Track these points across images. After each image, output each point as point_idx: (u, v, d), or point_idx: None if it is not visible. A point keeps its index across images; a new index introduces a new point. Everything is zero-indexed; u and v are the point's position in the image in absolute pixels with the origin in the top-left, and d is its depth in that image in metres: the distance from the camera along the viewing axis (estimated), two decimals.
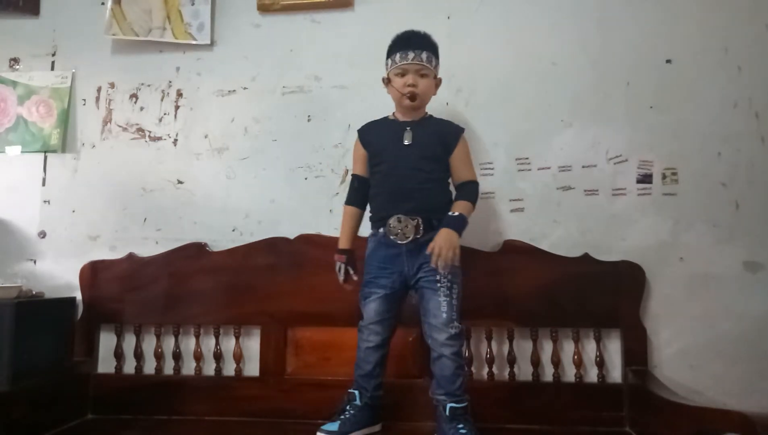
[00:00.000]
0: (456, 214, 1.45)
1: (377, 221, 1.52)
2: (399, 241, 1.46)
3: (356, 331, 1.54)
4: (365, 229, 1.59)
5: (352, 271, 1.53)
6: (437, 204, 1.49)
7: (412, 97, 1.48)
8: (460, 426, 1.37)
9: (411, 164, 1.48)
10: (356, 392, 1.49)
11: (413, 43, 1.49)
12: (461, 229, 1.44)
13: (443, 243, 1.38)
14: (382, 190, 1.52)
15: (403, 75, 1.49)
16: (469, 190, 1.50)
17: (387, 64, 1.55)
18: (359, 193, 1.58)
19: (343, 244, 1.56)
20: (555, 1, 1.81)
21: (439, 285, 1.43)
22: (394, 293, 1.49)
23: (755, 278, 1.67)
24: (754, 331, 1.65)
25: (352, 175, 1.61)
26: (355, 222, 1.58)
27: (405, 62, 1.48)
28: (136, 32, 1.94)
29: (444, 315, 1.41)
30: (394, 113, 1.58)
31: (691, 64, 1.75)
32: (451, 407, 1.39)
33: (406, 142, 1.50)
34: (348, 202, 1.60)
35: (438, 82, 1.56)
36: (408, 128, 1.51)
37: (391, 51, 1.53)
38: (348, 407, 1.48)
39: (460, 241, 1.42)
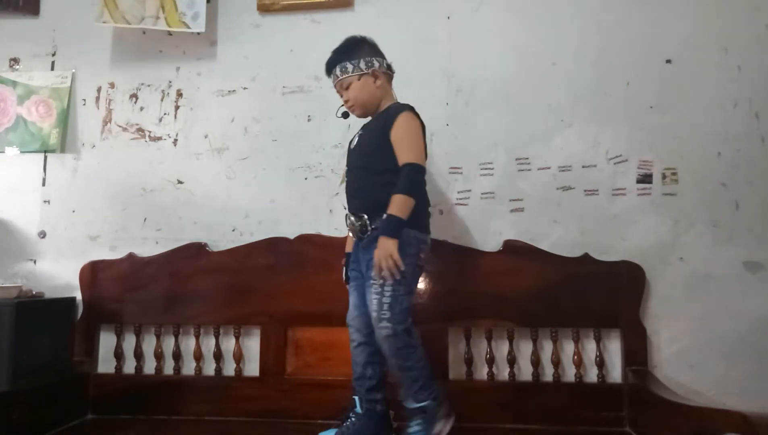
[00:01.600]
0: (384, 216, 1.35)
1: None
2: (355, 238, 1.49)
3: None
4: (345, 227, 1.59)
5: None
6: (380, 200, 1.37)
7: (345, 115, 1.54)
8: (414, 423, 1.35)
9: (354, 164, 1.51)
10: (355, 398, 1.46)
11: (327, 66, 1.52)
12: (394, 231, 1.34)
13: (380, 253, 1.32)
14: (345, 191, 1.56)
15: (340, 94, 1.53)
16: (403, 178, 1.36)
17: None
18: None
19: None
20: (555, 1, 1.81)
21: (371, 281, 1.38)
22: (362, 285, 1.45)
23: (755, 278, 1.67)
24: (754, 331, 1.64)
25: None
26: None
27: (333, 84, 1.53)
28: (128, 20, 1.90)
29: (374, 313, 1.36)
30: None
31: (691, 64, 1.75)
32: (408, 407, 1.36)
33: (352, 146, 1.54)
34: None
35: (375, 74, 1.47)
36: (360, 131, 1.54)
37: None
38: (351, 415, 1.44)
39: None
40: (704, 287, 1.68)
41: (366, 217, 1.43)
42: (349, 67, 1.47)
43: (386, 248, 1.32)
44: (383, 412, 1.46)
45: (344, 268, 1.56)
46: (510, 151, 1.79)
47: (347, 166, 1.56)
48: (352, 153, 1.54)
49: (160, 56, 1.96)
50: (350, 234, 1.52)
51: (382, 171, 1.42)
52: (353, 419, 1.43)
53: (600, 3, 1.80)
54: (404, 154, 1.39)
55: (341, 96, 1.53)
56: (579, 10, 1.80)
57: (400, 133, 1.41)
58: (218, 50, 1.95)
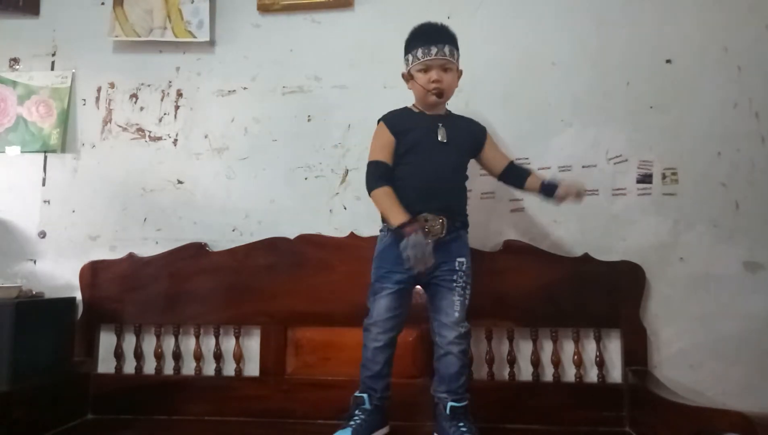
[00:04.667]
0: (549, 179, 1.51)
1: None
2: (428, 239, 1.38)
3: (356, 331, 1.52)
4: (373, 229, 1.57)
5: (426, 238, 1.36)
6: (461, 205, 1.50)
7: (439, 93, 1.45)
8: (461, 424, 1.37)
9: (446, 162, 1.45)
10: (365, 395, 1.45)
11: (435, 38, 1.45)
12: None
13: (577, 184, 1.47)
14: (411, 185, 1.44)
15: (426, 71, 1.45)
16: (522, 167, 1.58)
17: (407, 60, 1.49)
18: (386, 179, 1.45)
19: (404, 216, 1.37)
20: (555, 1, 1.81)
21: (455, 284, 1.43)
22: (407, 289, 1.46)
23: (755, 278, 1.67)
24: (754, 331, 1.65)
25: (377, 161, 1.46)
26: (396, 198, 1.42)
27: (428, 58, 1.44)
28: (138, 33, 1.95)
29: (456, 314, 1.42)
30: (415, 105, 1.54)
31: (691, 64, 1.75)
32: (451, 406, 1.39)
33: (441, 139, 1.46)
34: (380, 184, 1.43)
35: (460, 74, 1.52)
36: (440, 124, 1.48)
37: (412, 46, 1.48)
38: (358, 412, 1.44)
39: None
40: (704, 287, 1.68)
41: (445, 218, 1.43)
42: (456, 54, 1.49)
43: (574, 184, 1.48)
44: (386, 405, 1.49)
45: (421, 231, 1.35)
46: (510, 151, 1.78)
47: (424, 155, 1.44)
48: (439, 146, 1.45)
49: (160, 56, 1.96)
50: (419, 231, 1.34)
51: (465, 179, 1.52)
52: (361, 416, 1.43)
53: (600, 3, 1.80)
54: (505, 156, 1.59)
55: (426, 71, 1.44)
56: (579, 10, 1.80)
57: (493, 142, 1.59)
58: (218, 50, 1.95)
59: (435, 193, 1.43)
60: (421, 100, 1.51)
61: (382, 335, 1.44)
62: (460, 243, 1.47)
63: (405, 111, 1.54)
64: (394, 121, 1.50)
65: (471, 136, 1.54)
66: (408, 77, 1.51)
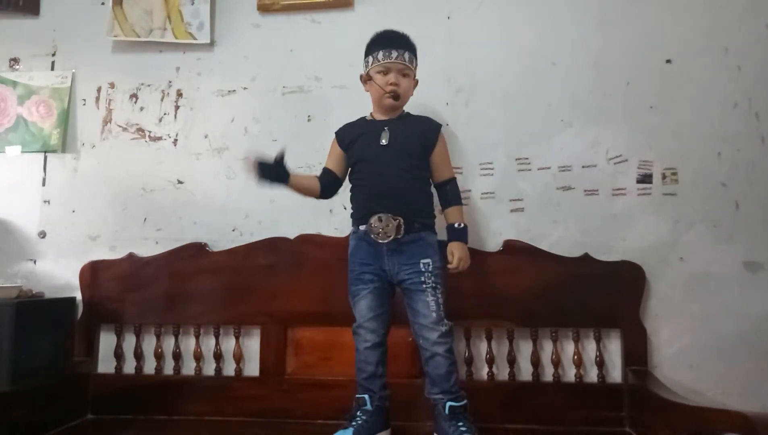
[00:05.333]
0: (462, 225, 1.51)
1: (358, 219, 1.52)
2: (380, 240, 1.45)
3: None
4: (346, 227, 1.59)
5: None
6: (418, 204, 1.50)
7: (395, 96, 1.49)
8: (461, 424, 1.37)
9: (390, 164, 1.48)
10: (365, 396, 1.46)
11: (397, 43, 1.50)
12: (467, 238, 1.52)
13: (462, 256, 1.47)
14: (363, 188, 1.53)
15: (386, 73, 1.50)
16: (455, 191, 1.56)
17: (367, 62, 1.55)
18: (326, 178, 1.60)
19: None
20: (555, 1, 1.81)
21: (424, 286, 1.44)
22: (381, 287, 1.49)
23: (755, 278, 1.67)
24: (754, 331, 1.64)
25: (324, 167, 1.62)
26: (310, 182, 1.58)
27: (388, 60, 1.49)
28: (138, 33, 1.95)
29: (434, 314, 1.42)
30: (371, 113, 1.60)
31: (691, 64, 1.75)
32: (450, 406, 1.39)
33: (383, 142, 1.50)
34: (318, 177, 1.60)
35: (415, 84, 1.57)
36: (385, 128, 1.52)
37: (373, 48, 1.53)
38: (359, 413, 1.45)
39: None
40: (704, 287, 1.67)
41: (401, 219, 1.44)
42: (415, 63, 1.55)
43: (467, 254, 1.49)
44: (387, 406, 1.50)
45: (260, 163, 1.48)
46: (510, 151, 1.79)
47: (370, 161, 1.51)
48: (386, 149, 1.50)
49: (160, 56, 1.96)
50: (371, 234, 1.46)
51: (419, 177, 1.52)
52: (363, 417, 1.44)
53: (600, 3, 1.80)
54: (450, 170, 1.57)
55: (385, 73, 1.49)
56: (579, 10, 1.80)
57: (444, 149, 1.57)
58: (218, 50, 1.95)
59: (385, 195, 1.47)
60: (377, 103, 1.56)
61: (370, 335, 1.47)
62: (422, 244, 1.47)
63: (358, 122, 1.61)
64: (344, 133, 1.60)
65: (420, 136, 1.53)
66: (366, 79, 1.56)
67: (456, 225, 1.51)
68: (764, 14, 1.74)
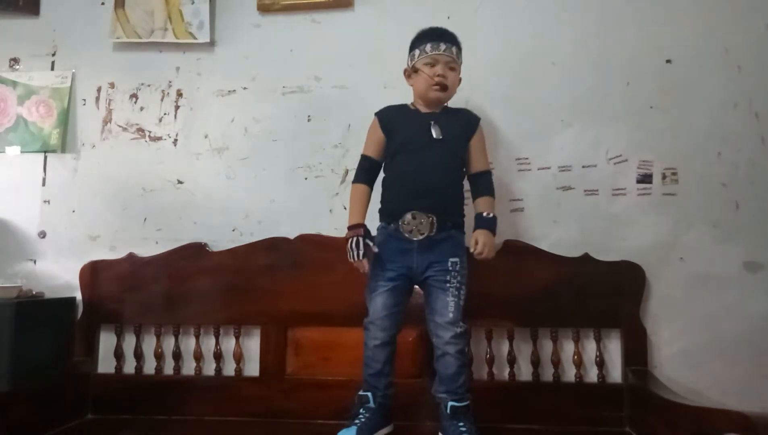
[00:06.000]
0: (491, 215, 1.47)
1: (389, 215, 1.49)
2: (413, 238, 1.43)
3: (356, 331, 1.53)
4: (373, 229, 1.57)
5: (371, 243, 1.43)
6: (452, 202, 1.49)
7: (443, 87, 1.47)
8: (461, 424, 1.37)
9: (438, 160, 1.46)
10: (369, 394, 1.46)
11: (446, 37, 1.50)
12: (496, 228, 1.48)
13: (490, 245, 1.43)
14: (400, 182, 1.49)
15: (433, 65, 1.48)
16: (489, 183, 1.53)
17: (413, 55, 1.52)
18: (369, 174, 1.54)
19: (357, 219, 1.48)
20: (555, 1, 1.81)
21: (448, 285, 1.43)
22: (402, 286, 1.47)
23: (755, 278, 1.67)
24: (754, 331, 1.65)
25: (364, 155, 1.55)
26: (366, 199, 1.52)
27: (437, 52, 1.48)
28: (139, 34, 1.95)
29: (451, 314, 1.42)
30: (413, 103, 1.57)
31: (691, 64, 1.75)
32: (452, 405, 1.39)
33: (435, 136, 1.47)
34: (358, 180, 1.54)
35: (459, 81, 1.56)
36: (433, 121, 1.49)
37: (420, 41, 1.51)
38: (362, 410, 1.45)
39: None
40: (704, 287, 1.68)
41: (434, 217, 1.43)
42: (460, 59, 1.54)
43: (493, 242, 1.45)
44: (389, 404, 1.50)
45: (361, 239, 1.42)
46: (510, 151, 1.79)
47: (415, 154, 1.47)
48: (431, 143, 1.46)
49: (160, 56, 1.96)
50: (404, 231, 1.43)
51: (459, 175, 1.52)
52: (366, 414, 1.44)
53: (600, 3, 1.80)
54: (484, 161, 1.55)
55: (433, 65, 1.47)
56: (578, 10, 1.80)
57: (482, 139, 1.55)
58: (218, 50, 1.95)
59: (424, 192, 1.44)
60: (422, 95, 1.52)
61: (380, 333, 1.46)
62: (452, 243, 1.46)
63: (401, 108, 1.56)
64: (387, 118, 1.54)
65: (460, 127, 1.52)
66: (410, 72, 1.53)
67: (485, 214, 1.47)
68: (764, 14, 1.74)
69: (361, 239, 1.42)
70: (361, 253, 1.41)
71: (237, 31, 1.94)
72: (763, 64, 1.73)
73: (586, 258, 1.68)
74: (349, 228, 1.47)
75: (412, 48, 1.54)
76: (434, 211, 1.44)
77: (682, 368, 1.65)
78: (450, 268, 1.44)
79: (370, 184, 1.55)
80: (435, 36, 1.50)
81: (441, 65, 1.48)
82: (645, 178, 1.73)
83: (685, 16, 1.76)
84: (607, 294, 1.65)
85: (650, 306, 1.68)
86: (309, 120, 1.88)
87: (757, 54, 1.73)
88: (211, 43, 1.94)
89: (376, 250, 1.44)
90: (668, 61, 1.76)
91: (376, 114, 1.56)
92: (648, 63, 1.76)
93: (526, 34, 1.82)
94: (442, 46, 1.48)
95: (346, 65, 1.87)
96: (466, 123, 1.54)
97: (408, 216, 1.44)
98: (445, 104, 1.57)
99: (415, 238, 1.43)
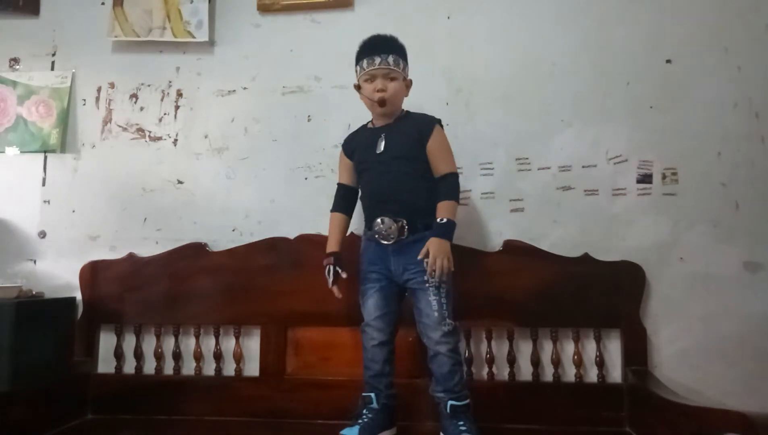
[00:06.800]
0: (444, 220, 1.43)
1: (367, 221, 1.55)
2: (384, 242, 1.48)
3: (356, 331, 1.55)
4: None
5: (340, 271, 1.53)
6: (420, 204, 1.48)
7: (381, 102, 1.49)
8: (461, 423, 1.38)
9: (388, 170, 1.50)
10: (372, 395, 1.48)
11: (379, 48, 1.50)
12: (450, 234, 1.44)
13: (437, 253, 1.39)
14: (368, 196, 1.56)
15: (372, 80, 1.50)
16: (449, 186, 1.47)
17: (356, 72, 1.56)
18: (345, 200, 1.63)
19: (330, 248, 1.58)
20: (555, 1, 1.81)
21: (427, 285, 1.44)
22: (388, 287, 1.50)
23: (755, 278, 1.67)
24: (754, 331, 1.64)
25: (339, 183, 1.64)
26: (342, 227, 1.61)
27: (372, 68, 1.50)
28: (138, 33, 1.95)
29: (436, 314, 1.43)
30: (372, 120, 1.60)
31: (691, 64, 1.75)
32: (451, 405, 1.40)
33: (378, 151, 1.51)
34: (334, 209, 1.63)
35: (408, 84, 1.56)
36: (382, 135, 1.52)
37: (359, 58, 1.54)
38: (365, 411, 1.47)
39: (453, 242, 1.45)
40: (704, 287, 1.67)
41: (404, 220, 1.46)
42: (401, 64, 1.53)
43: (443, 249, 1.41)
44: (394, 404, 1.51)
45: (332, 268, 1.53)
46: (510, 151, 1.79)
47: (371, 168, 1.53)
48: (382, 156, 1.51)
49: (160, 56, 1.96)
50: (377, 236, 1.48)
51: (419, 177, 1.50)
52: (369, 415, 1.46)
53: (600, 3, 1.80)
54: (447, 164, 1.50)
55: (372, 81, 1.49)
56: (579, 11, 1.80)
57: (437, 144, 1.51)
58: (218, 50, 1.95)
59: (386, 199, 1.49)
60: (370, 110, 1.57)
61: (376, 333, 1.49)
62: (425, 244, 1.44)
63: (361, 129, 1.62)
64: (348, 143, 1.63)
65: (413, 133, 1.50)
66: (358, 88, 1.56)
67: (439, 219, 1.43)
68: (764, 14, 1.74)
69: (332, 267, 1.53)
70: (331, 280, 1.52)
71: (237, 31, 1.94)
72: (763, 64, 1.73)
73: (586, 258, 1.68)
74: (325, 256, 1.56)
75: (355, 63, 1.56)
76: (403, 215, 1.47)
77: (682, 368, 1.65)
78: (425, 269, 1.43)
79: (347, 212, 1.63)
80: (368, 50, 1.51)
81: (379, 79, 1.49)
82: (645, 178, 1.73)
83: (685, 16, 1.76)
84: (607, 294, 1.65)
85: (650, 306, 1.68)
86: (309, 120, 1.88)
87: (757, 54, 1.73)
88: (211, 43, 1.94)
89: (344, 275, 1.53)
90: (668, 61, 1.76)
91: (341, 145, 1.64)
92: (648, 63, 1.76)
93: (526, 34, 1.82)
94: (377, 60, 1.49)
95: (346, 65, 1.85)
96: (419, 129, 1.51)
97: (378, 221, 1.48)
98: (404, 111, 1.57)
99: (386, 242, 1.48)
